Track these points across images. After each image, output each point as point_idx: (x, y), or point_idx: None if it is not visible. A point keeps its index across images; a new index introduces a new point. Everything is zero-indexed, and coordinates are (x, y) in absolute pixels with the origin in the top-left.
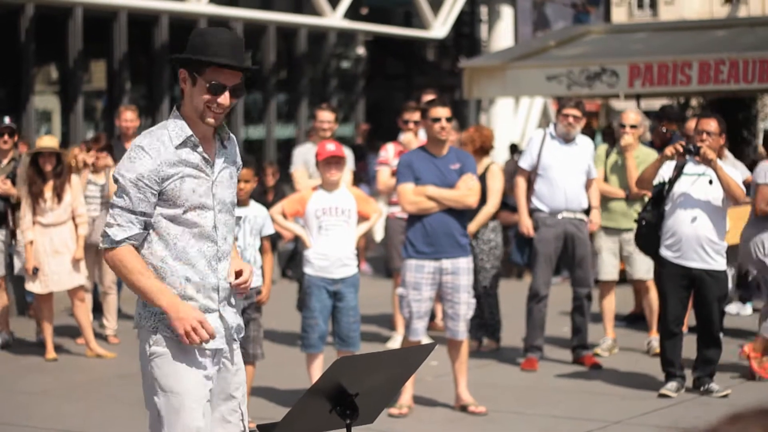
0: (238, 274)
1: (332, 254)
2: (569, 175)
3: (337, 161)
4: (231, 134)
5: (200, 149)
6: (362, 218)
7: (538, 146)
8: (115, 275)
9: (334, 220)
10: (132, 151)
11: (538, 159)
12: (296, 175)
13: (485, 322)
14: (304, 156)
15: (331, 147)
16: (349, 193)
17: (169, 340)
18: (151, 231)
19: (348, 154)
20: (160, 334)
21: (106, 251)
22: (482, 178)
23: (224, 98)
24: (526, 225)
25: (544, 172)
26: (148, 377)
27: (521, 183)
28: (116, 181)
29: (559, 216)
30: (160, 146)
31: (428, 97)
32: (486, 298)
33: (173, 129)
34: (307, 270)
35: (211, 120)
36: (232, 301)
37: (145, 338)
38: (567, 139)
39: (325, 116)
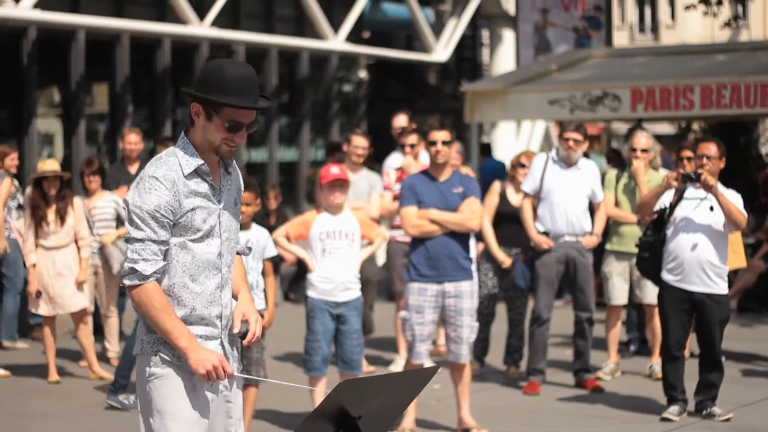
0: (245, 322)
1: (336, 277)
2: (571, 199)
3: (341, 184)
4: (233, 159)
5: (210, 178)
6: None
7: (541, 170)
8: (137, 309)
9: (337, 244)
10: (146, 181)
11: (540, 183)
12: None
13: (512, 348)
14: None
15: (335, 170)
16: (352, 217)
17: (170, 363)
18: None
19: (377, 179)
20: (161, 356)
21: (133, 288)
22: None
23: (241, 136)
24: (540, 240)
25: (546, 196)
26: (145, 399)
27: (527, 206)
28: (131, 212)
29: (561, 240)
30: (174, 177)
31: (399, 118)
32: (520, 326)
33: (183, 157)
34: (310, 293)
35: (227, 154)
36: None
37: (145, 362)
38: (569, 163)
39: (360, 142)
